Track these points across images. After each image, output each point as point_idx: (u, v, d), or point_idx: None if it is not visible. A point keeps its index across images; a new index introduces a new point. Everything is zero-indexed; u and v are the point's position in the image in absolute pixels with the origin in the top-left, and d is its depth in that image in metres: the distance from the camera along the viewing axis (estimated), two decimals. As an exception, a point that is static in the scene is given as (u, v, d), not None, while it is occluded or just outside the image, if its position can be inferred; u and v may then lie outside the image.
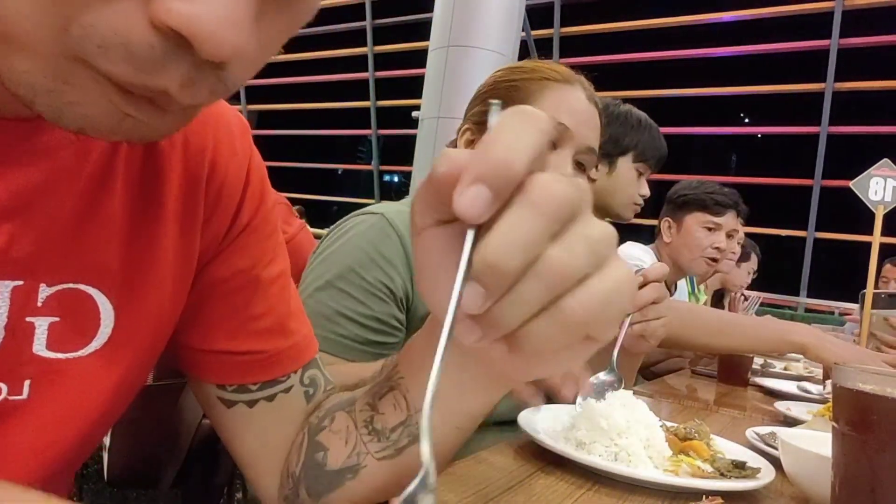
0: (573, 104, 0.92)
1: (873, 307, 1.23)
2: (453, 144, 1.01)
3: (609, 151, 1.55)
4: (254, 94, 9.75)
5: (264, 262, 0.51)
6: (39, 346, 0.38)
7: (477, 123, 0.97)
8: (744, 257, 3.16)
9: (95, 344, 0.41)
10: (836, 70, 5.99)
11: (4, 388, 0.37)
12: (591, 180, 1.58)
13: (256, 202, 0.51)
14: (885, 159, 1.13)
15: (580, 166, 0.94)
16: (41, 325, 0.38)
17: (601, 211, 1.59)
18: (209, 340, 0.50)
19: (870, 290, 1.12)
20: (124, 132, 0.29)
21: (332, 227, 0.93)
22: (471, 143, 0.98)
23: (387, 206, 0.93)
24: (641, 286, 0.89)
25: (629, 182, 1.55)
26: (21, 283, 0.37)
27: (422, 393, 0.42)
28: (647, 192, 1.59)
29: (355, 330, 0.81)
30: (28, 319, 0.37)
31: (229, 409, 0.51)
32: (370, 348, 0.83)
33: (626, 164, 1.55)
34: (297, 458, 0.50)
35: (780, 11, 6.24)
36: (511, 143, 0.25)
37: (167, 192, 0.44)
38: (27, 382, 0.38)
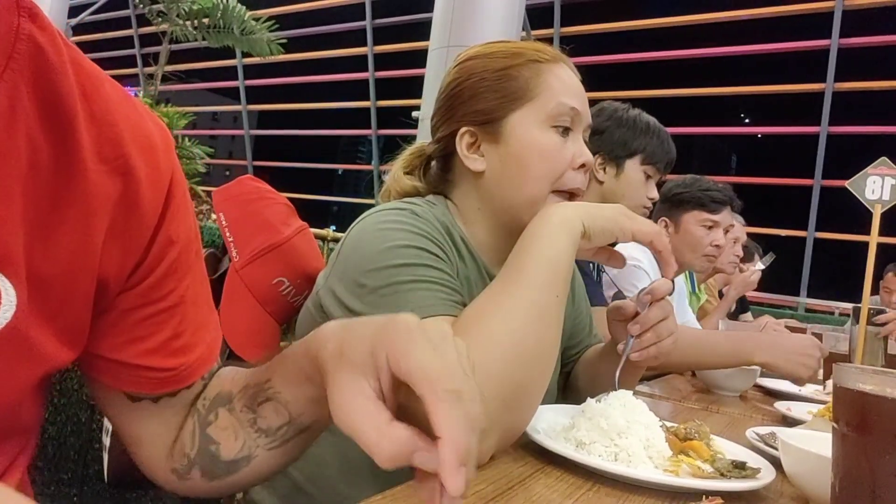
0: (571, 83, 0.90)
1: (857, 322, 1.22)
2: (446, 145, 0.94)
3: (617, 154, 1.54)
4: (254, 94, 9.75)
5: (187, 281, 0.53)
6: None
7: (478, 124, 0.90)
8: (747, 258, 3.16)
9: None
10: (836, 70, 5.99)
11: None
12: (599, 182, 1.57)
13: (179, 219, 0.52)
14: (883, 157, 1.13)
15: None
16: None
17: None
18: (127, 353, 0.51)
19: (867, 292, 1.11)
20: None
21: (356, 231, 0.86)
22: (473, 146, 0.91)
23: (402, 204, 0.88)
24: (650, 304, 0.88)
25: (638, 184, 1.54)
26: None
27: (299, 405, 0.49)
28: (655, 195, 1.57)
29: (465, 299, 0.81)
30: None
31: (133, 403, 0.54)
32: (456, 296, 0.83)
33: (634, 167, 1.54)
34: (192, 443, 0.55)
35: (780, 11, 6.24)
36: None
37: (73, 189, 0.44)
38: None
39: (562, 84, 0.89)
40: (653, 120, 1.59)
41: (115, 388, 0.53)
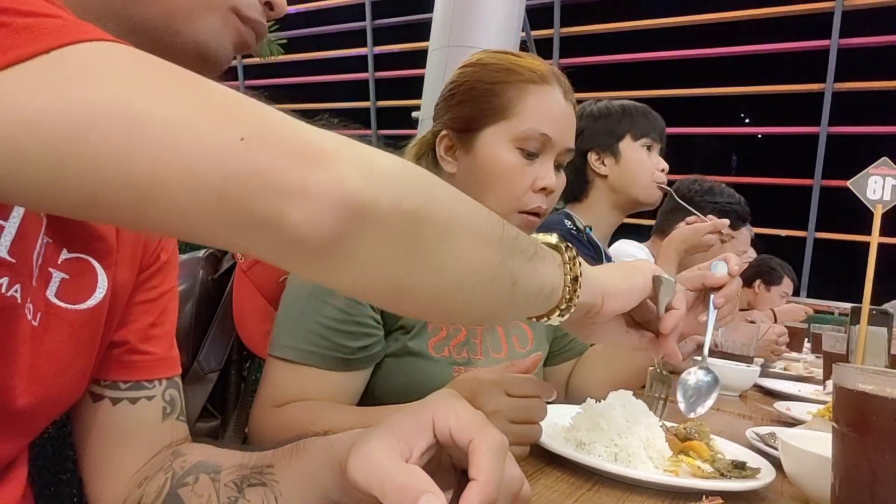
0: (553, 109, 0.93)
1: (857, 322, 1.20)
2: (431, 141, 0.97)
3: (608, 143, 1.54)
4: (254, 94, 9.75)
5: (169, 284, 0.61)
6: (51, 293, 0.48)
7: (457, 130, 0.94)
8: (775, 280, 3.05)
9: (90, 303, 0.51)
10: (836, 70, 5.99)
11: (31, 309, 0.45)
12: (603, 177, 1.57)
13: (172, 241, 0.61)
14: (884, 158, 1.12)
15: (558, 167, 0.96)
16: (56, 277, 0.48)
17: (623, 203, 1.57)
18: (121, 333, 0.57)
19: (867, 293, 1.11)
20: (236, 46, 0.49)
21: None
22: (451, 150, 0.95)
23: None
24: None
25: (642, 161, 1.54)
26: (51, 241, 0.47)
27: (293, 502, 0.47)
28: (664, 164, 1.57)
29: (342, 341, 0.82)
30: (50, 269, 0.48)
31: (94, 404, 0.57)
32: (359, 354, 0.83)
33: (629, 146, 1.54)
34: (155, 498, 0.54)
35: (780, 11, 6.24)
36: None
37: None
38: (39, 315, 0.47)
39: (542, 109, 0.91)
40: (625, 102, 1.60)
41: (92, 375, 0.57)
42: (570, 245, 0.54)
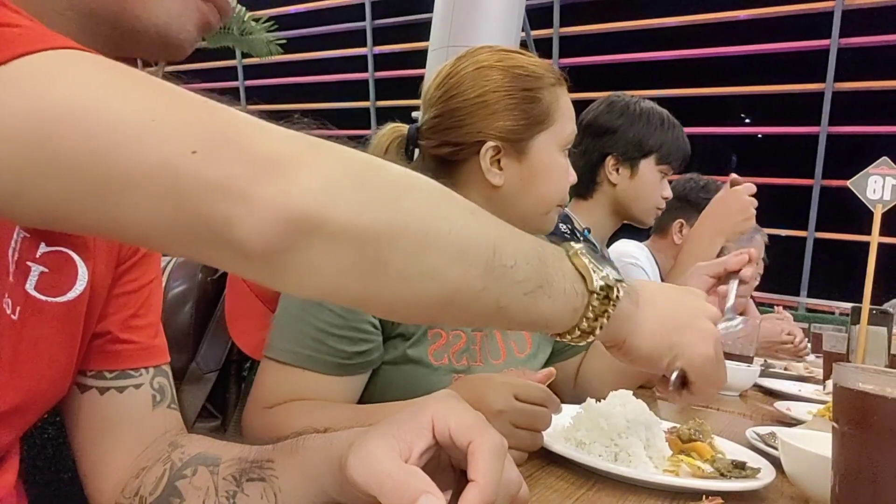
0: (571, 109, 0.99)
1: (857, 322, 1.20)
2: (459, 151, 0.93)
3: (632, 154, 1.48)
4: (254, 94, 9.75)
5: (150, 276, 0.62)
6: (30, 286, 0.48)
7: (506, 140, 0.92)
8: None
9: (70, 295, 0.51)
10: (836, 70, 5.99)
11: (10, 303, 0.46)
12: (612, 185, 1.51)
13: None
14: (884, 157, 1.12)
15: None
16: (35, 270, 0.48)
17: (621, 214, 1.53)
18: (102, 325, 0.57)
19: (867, 292, 1.11)
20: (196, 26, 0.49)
21: None
22: (495, 161, 0.92)
23: None
24: None
25: (652, 185, 1.50)
26: (28, 235, 0.48)
27: (292, 499, 0.47)
28: (669, 193, 1.53)
29: (339, 345, 0.81)
30: (28, 263, 0.48)
31: (82, 395, 0.57)
32: (356, 359, 0.83)
33: (649, 167, 1.49)
34: (153, 489, 0.54)
35: (780, 11, 6.24)
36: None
37: None
38: (18, 309, 0.47)
39: (569, 110, 0.98)
40: (665, 113, 1.54)
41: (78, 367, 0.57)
42: (625, 285, 0.49)
